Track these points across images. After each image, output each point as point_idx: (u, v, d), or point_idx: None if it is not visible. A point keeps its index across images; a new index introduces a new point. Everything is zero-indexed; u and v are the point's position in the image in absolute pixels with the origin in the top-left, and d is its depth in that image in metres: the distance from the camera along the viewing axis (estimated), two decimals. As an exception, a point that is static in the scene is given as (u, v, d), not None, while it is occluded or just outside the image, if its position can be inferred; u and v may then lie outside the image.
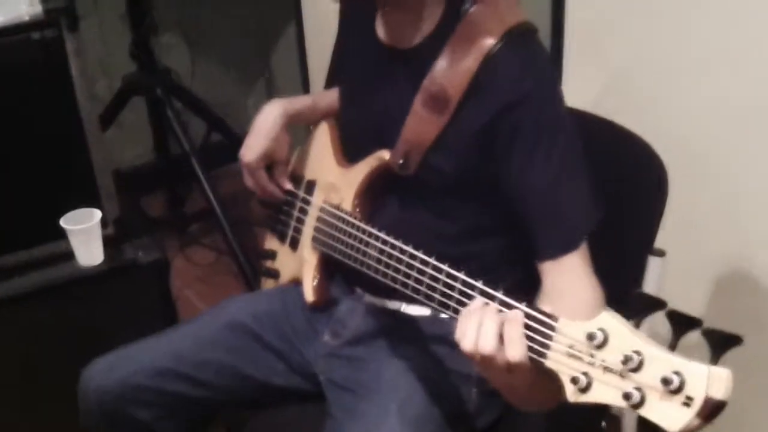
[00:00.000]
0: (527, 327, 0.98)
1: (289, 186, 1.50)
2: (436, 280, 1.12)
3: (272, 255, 1.55)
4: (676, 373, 0.83)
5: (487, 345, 0.98)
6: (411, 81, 1.24)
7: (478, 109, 1.18)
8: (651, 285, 1.32)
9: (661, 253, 1.35)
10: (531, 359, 0.97)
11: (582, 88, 1.74)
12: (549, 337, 0.96)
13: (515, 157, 1.17)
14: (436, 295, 1.12)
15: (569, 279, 1.16)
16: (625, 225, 1.33)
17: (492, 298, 1.03)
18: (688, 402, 0.81)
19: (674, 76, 1.64)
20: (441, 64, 1.19)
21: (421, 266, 1.15)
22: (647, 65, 1.68)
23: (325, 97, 1.54)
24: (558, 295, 1.14)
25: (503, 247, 1.29)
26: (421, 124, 1.21)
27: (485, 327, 0.99)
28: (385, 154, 1.29)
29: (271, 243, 1.57)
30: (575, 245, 1.17)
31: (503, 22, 1.18)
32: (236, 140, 2.25)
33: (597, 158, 1.27)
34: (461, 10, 1.21)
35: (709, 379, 0.81)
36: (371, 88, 1.33)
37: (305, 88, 2.75)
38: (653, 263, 1.33)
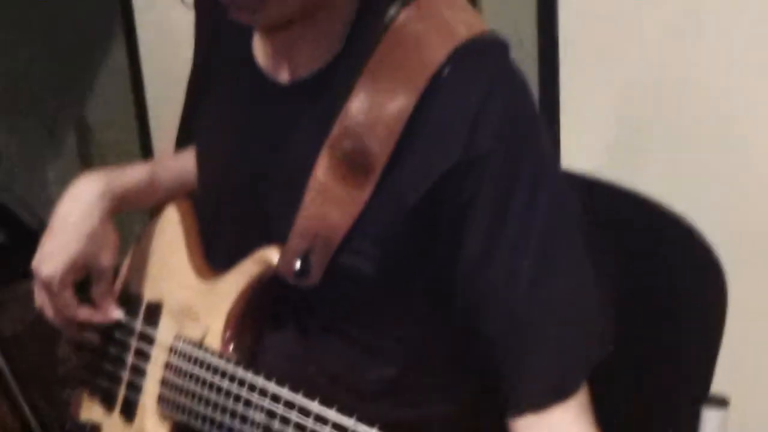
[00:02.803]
0: None
1: (117, 314, 1.48)
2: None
3: (93, 430, 1.53)
4: None
5: None
6: (309, 132, 1.25)
7: (413, 172, 1.19)
8: (710, 453, 1.32)
9: (722, 403, 1.35)
10: None
11: (587, 142, 1.83)
12: None
13: (469, 247, 1.18)
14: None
15: None
16: (662, 356, 1.36)
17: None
18: None
19: (719, 121, 1.72)
20: (356, 105, 1.21)
21: (339, 437, 1.11)
22: (678, 102, 1.76)
23: (171, 164, 1.56)
24: None
25: (466, 401, 1.30)
26: (327, 203, 1.22)
27: None
28: (272, 255, 1.28)
29: (89, 410, 1.55)
30: (568, 389, 1.17)
31: (451, 33, 1.19)
32: (28, 239, 2.19)
33: (614, 249, 1.31)
34: (381, 18, 1.22)
35: None
36: (246, 145, 1.33)
37: (144, 152, 2.80)
38: (710, 418, 1.33)
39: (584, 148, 1.87)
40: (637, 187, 1.46)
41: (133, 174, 1.50)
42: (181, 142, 1.61)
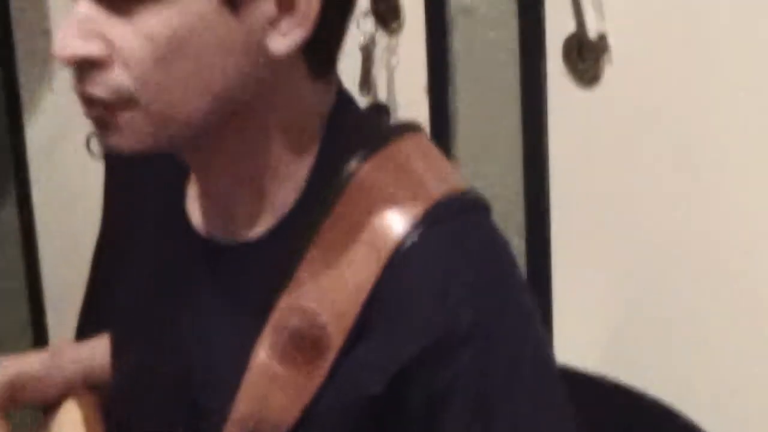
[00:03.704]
0: None
1: None
2: None
3: None
4: None
5: None
6: (251, 305, 1.17)
7: (375, 355, 1.12)
8: None
9: None
10: None
11: (581, 334, 1.80)
12: None
13: None
14: None
15: None
16: None
17: None
18: None
19: (722, 308, 1.68)
20: (308, 274, 1.14)
21: None
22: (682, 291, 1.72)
23: (74, 353, 1.49)
24: None
25: None
26: (271, 389, 1.14)
27: None
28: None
29: None
30: None
31: (422, 190, 1.15)
32: None
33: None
34: (342, 170, 1.16)
35: None
36: (175, 320, 1.25)
37: (37, 339, 2.79)
38: None
39: (577, 342, 1.84)
40: (635, 384, 1.48)
41: (27, 362, 1.45)
42: (85, 329, 1.56)
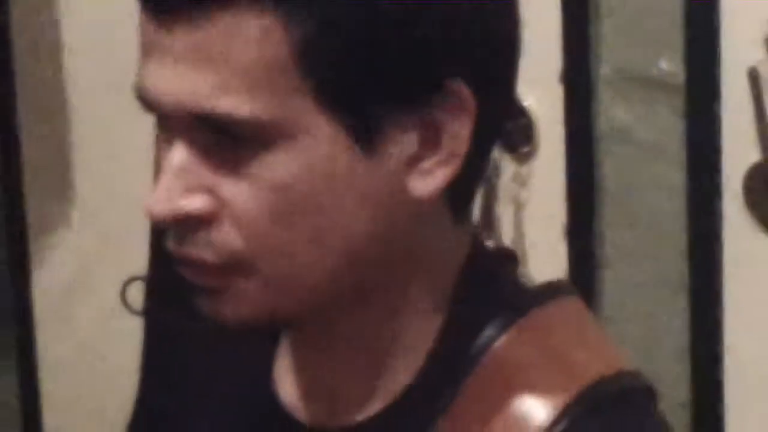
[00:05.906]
0: None
1: None
2: None
3: None
4: None
5: None
6: None
7: None
8: None
9: None
10: None
11: None
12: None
13: None
14: None
15: None
16: None
17: None
18: None
19: None
20: None
21: None
22: None
23: None
24: None
25: None
26: None
27: None
28: None
29: None
30: None
31: (569, 371, 1.06)
32: None
33: None
34: (475, 342, 1.07)
35: None
36: None
37: None
38: None
39: None
40: None
41: None
42: None
